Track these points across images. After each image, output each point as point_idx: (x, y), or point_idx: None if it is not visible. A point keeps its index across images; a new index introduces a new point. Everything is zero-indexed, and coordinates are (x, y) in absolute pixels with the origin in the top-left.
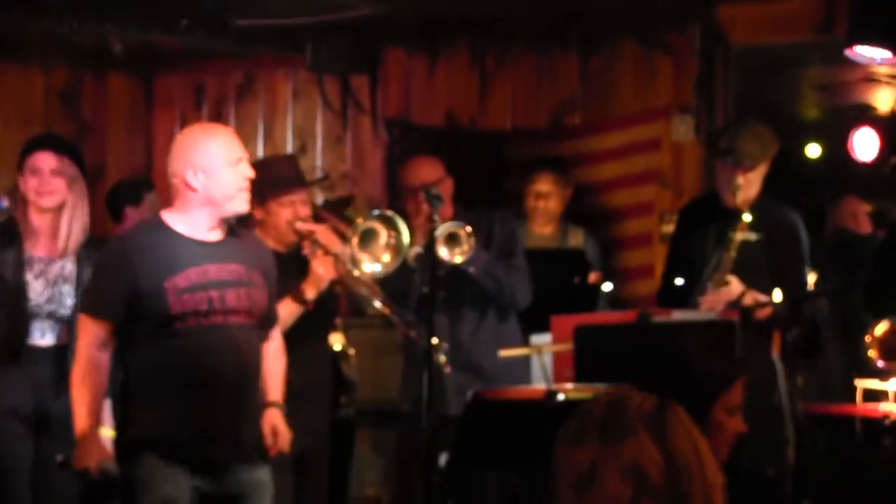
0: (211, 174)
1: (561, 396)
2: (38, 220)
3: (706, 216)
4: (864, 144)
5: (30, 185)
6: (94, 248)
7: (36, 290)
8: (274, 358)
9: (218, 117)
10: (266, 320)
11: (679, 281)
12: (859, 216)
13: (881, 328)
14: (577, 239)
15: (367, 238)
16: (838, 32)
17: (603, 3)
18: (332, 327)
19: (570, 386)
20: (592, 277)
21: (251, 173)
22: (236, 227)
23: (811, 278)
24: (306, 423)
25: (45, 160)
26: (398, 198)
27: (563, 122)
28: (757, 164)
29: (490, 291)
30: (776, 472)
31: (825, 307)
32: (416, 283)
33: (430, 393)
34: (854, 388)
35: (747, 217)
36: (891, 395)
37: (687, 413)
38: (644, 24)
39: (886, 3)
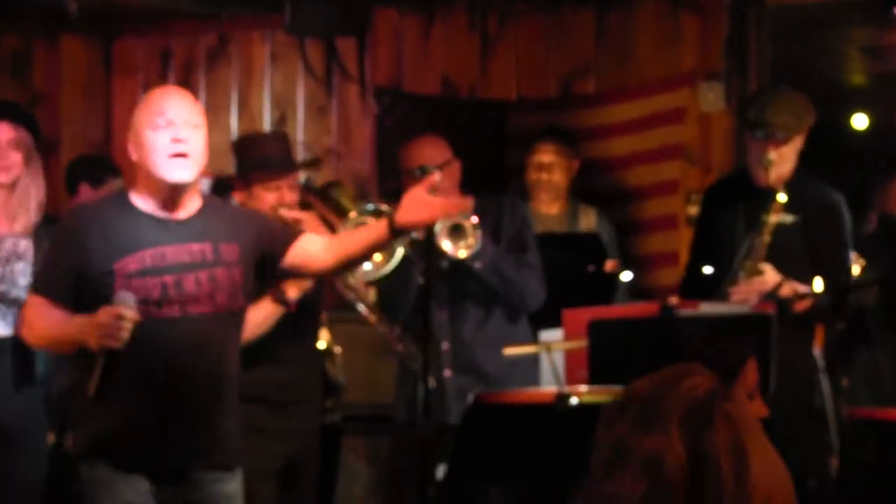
0: (138, 141)
1: (574, 400)
2: None
3: (735, 196)
4: None
5: None
6: (50, 227)
7: None
8: None
9: (186, 85)
10: (244, 302)
11: (707, 269)
12: None
13: None
14: (588, 220)
15: None
16: None
17: None
18: (319, 323)
19: (583, 388)
20: (609, 265)
21: (184, 136)
22: (214, 198)
23: (856, 266)
24: (295, 428)
25: (2, 131)
26: (391, 176)
27: (575, 91)
28: (791, 136)
29: (497, 290)
30: (818, 482)
31: (873, 298)
32: (414, 275)
33: (428, 398)
34: None
35: (782, 197)
36: None
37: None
38: None
39: None
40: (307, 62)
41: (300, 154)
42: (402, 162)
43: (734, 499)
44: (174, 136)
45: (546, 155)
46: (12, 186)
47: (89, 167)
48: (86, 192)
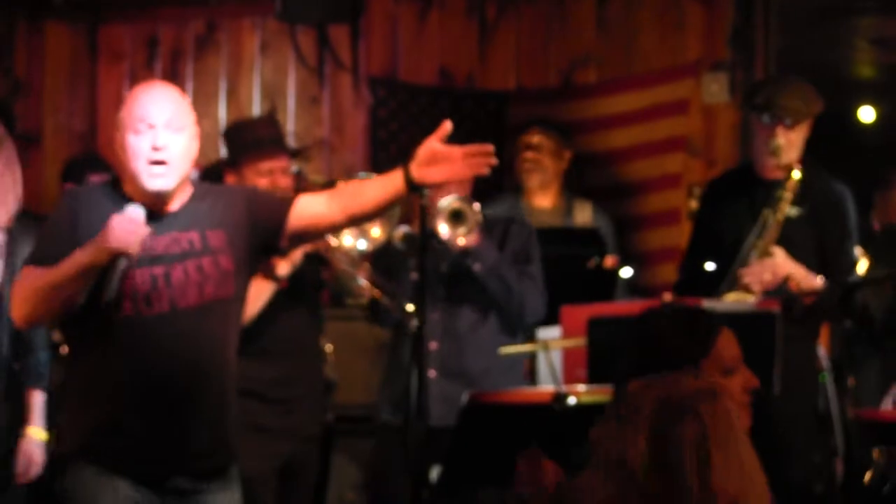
0: (122, 143)
1: (572, 400)
2: None
3: (740, 190)
4: None
5: None
6: (31, 221)
7: None
8: None
9: (173, 74)
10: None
11: (710, 266)
12: None
13: None
14: (584, 214)
15: None
16: None
17: None
18: (321, 318)
19: (582, 388)
20: (609, 261)
21: (163, 143)
22: (202, 184)
23: (862, 262)
24: (297, 426)
25: None
26: (385, 169)
27: (576, 81)
28: (799, 121)
29: (495, 296)
30: (824, 487)
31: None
32: (405, 269)
33: (422, 397)
34: None
35: (797, 174)
36: None
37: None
38: None
39: None
40: (298, 50)
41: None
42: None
43: (698, 496)
44: (154, 143)
45: (535, 137)
46: None
47: (73, 167)
48: None
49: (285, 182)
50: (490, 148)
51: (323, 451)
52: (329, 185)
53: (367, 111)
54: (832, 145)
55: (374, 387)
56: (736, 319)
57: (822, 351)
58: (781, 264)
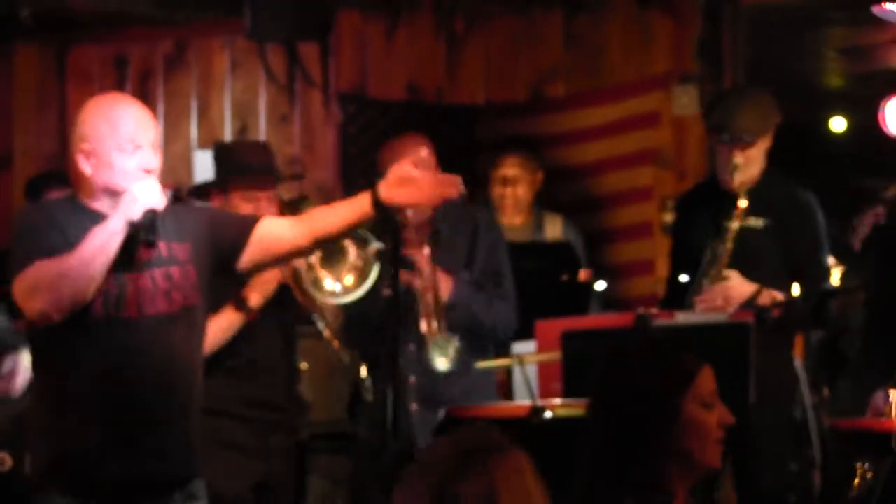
0: (102, 159)
1: (548, 414)
2: None
3: (707, 202)
4: None
5: None
6: None
7: None
8: None
9: (144, 94)
10: (201, 300)
11: (683, 278)
12: None
13: None
14: (554, 229)
15: (332, 255)
16: None
17: None
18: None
19: (557, 401)
20: (583, 275)
21: (152, 164)
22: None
23: (836, 271)
24: (270, 445)
25: None
26: (356, 185)
27: (545, 95)
28: (757, 139)
29: (469, 328)
30: (799, 498)
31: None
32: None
33: (397, 417)
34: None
35: (743, 202)
36: None
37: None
38: None
39: None
40: (268, 68)
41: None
42: (381, 164)
43: None
44: (144, 165)
45: (510, 168)
46: None
47: (31, 187)
48: None
49: (270, 210)
50: (458, 179)
51: (298, 469)
52: (301, 200)
53: (337, 128)
54: (803, 155)
55: (341, 404)
56: (710, 331)
57: (798, 361)
58: (735, 287)
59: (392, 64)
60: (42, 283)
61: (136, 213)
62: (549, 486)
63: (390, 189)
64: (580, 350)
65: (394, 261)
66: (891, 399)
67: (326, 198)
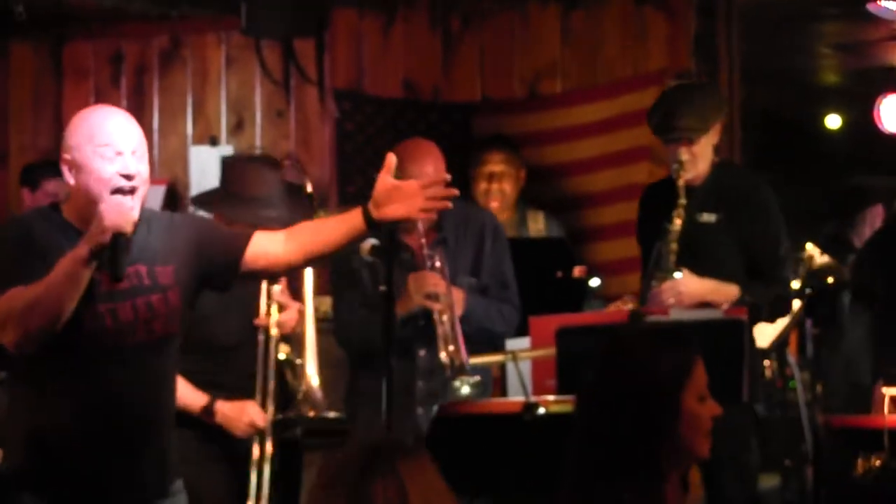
0: (82, 167)
1: (541, 410)
2: None
3: (664, 200)
4: (892, 113)
5: None
6: None
7: None
8: None
9: (139, 89)
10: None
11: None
12: None
13: None
14: (537, 225)
15: None
16: None
17: None
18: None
19: (551, 398)
20: (577, 271)
21: (133, 171)
22: (152, 212)
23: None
24: (242, 450)
25: None
26: (351, 181)
27: (540, 92)
28: (701, 135)
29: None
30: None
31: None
32: (365, 279)
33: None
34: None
35: (682, 201)
36: None
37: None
38: None
39: None
40: (264, 65)
41: (256, 153)
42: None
43: None
44: (124, 171)
45: (496, 165)
46: None
47: (26, 174)
48: (26, 197)
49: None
50: (447, 177)
51: (293, 466)
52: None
53: (333, 124)
54: (798, 152)
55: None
56: (704, 328)
57: (792, 358)
58: (684, 283)
59: (388, 61)
60: (13, 314)
61: (103, 238)
62: (540, 481)
63: (379, 208)
64: (575, 346)
65: (388, 256)
66: (885, 394)
67: (321, 194)
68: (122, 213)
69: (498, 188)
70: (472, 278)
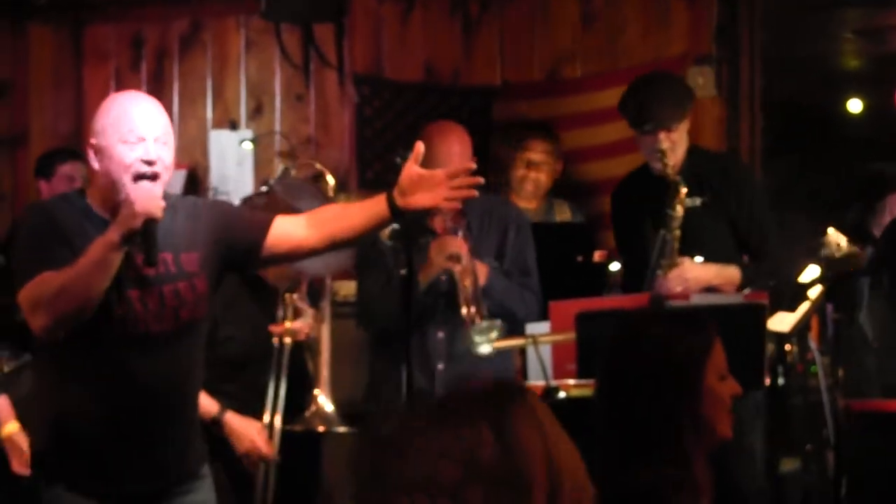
0: (105, 152)
1: (562, 394)
2: None
3: (639, 191)
4: None
5: None
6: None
7: None
8: None
9: (159, 73)
10: (207, 309)
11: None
12: None
13: None
14: (563, 215)
15: None
16: None
17: None
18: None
19: (571, 382)
20: (598, 255)
21: (155, 156)
22: (176, 198)
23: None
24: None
25: None
26: (371, 166)
27: (561, 76)
28: (679, 122)
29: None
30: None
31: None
32: (388, 261)
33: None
34: None
35: (684, 189)
36: None
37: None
38: None
39: None
40: (284, 49)
41: (275, 138)
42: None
43: (547, 483)
44: (146, 157)
45: (537, 154)
46: None
47: (41, 161)
48: (43, 188)
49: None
50: (472, 166)
51: (311, 451)
52: (317, 179)
53: (352, 109)
54: (818, 137)
55: (353, 386)
56: (724, 312)
57: (813, 343)
58: (689, 270)
59: (408, 45)
60: (43, 299)
61: (135, 224)
62: None
63: (404, 196)
64: (595, 331)
65: (408, 241)
66: None
67: (341, 178)
68: (151, 198)
69: (535, 177)
70: (496, 262)
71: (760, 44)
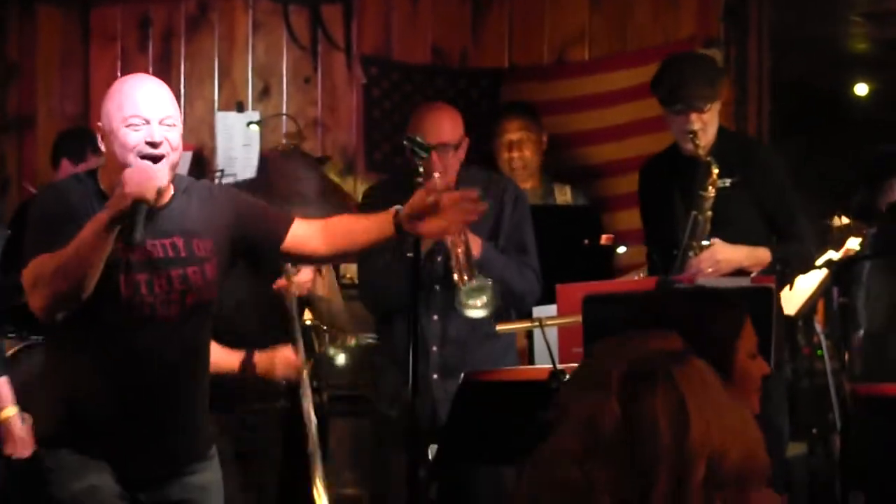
0: (111, 134)
1: (568, 378)
2: None
3: (668, 171)
4: None
5: None
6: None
7: None
8: None
9: (166, 55)
10: (215, 294)
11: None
12: None
13: None
14: (564, 197)
15: None
16: None
17: None
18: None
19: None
20: (605, 239)
21: (159, 138)
22: (191, 182)
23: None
24: (241, 419)
25: None
26: (378, 148)
27: (569, 58)
28: (712, 102)
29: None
30: (821, 461)
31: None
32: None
33: (416, 380)
34: None
35: (716, 169)
36: None
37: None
38: None
39: None
40: (291, 30)
41: (282, 120)
42: (411, 127)
43: (673, 457)
44: (150, 139)
45: (514, 133)
46: None
47: (71, 141)
48: (66, 168)
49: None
50: (475, 194)
51: (319, 432)
52: (322, 161)
53: (360, 90)
54: (826, 119)
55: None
56: (732, 295)
57: (819, 326)
58: (720, 251)
59: (416, 27)
60: (40, 279)
61: (124, 205)
62: None
63: (412, 223)
64: (602, 314)
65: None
66: None
67: (348, 160)
68: (145, 179)
69: (519, 156)
70: (490, 243)
71: (769, 26)
